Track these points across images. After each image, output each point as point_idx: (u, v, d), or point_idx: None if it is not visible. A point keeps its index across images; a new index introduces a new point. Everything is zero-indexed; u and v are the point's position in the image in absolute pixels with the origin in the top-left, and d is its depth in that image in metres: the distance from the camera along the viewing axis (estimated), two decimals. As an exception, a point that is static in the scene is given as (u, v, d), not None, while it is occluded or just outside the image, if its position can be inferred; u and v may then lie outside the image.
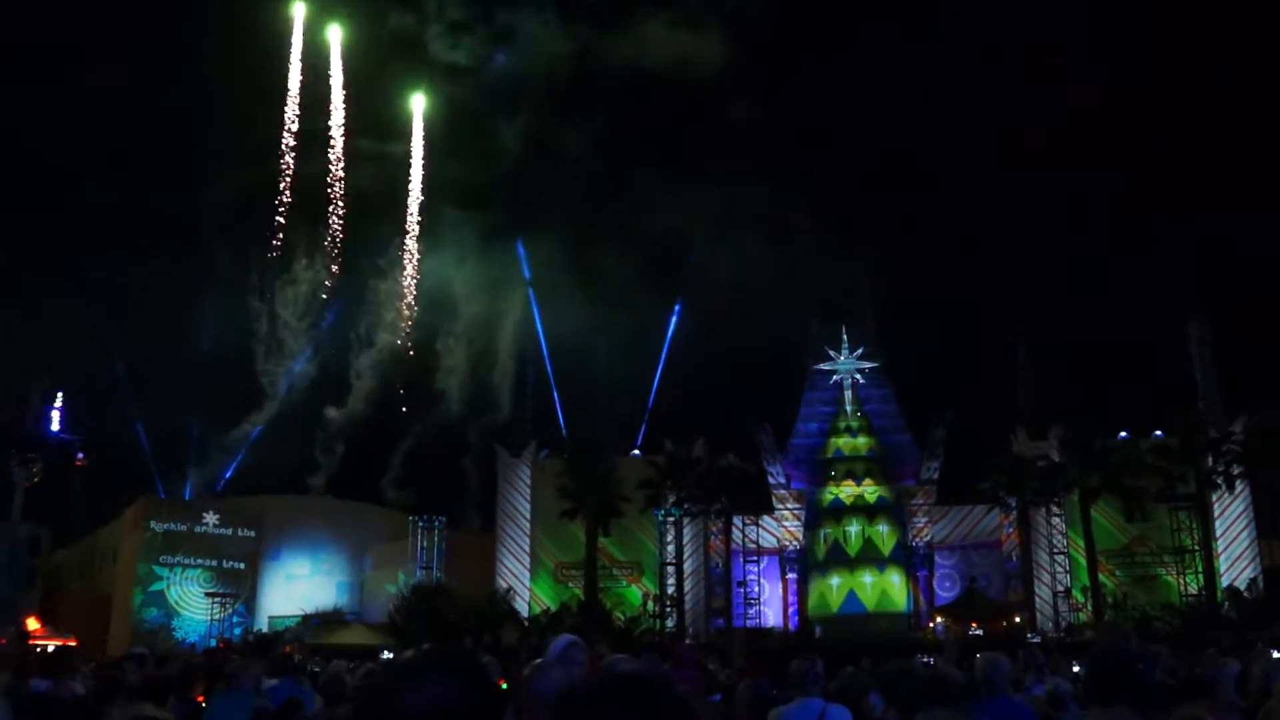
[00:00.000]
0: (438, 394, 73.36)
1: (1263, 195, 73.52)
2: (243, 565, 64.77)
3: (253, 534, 65.40)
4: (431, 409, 72.53)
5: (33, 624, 57.63)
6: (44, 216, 73.68)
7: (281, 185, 71.44)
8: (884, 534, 64.90)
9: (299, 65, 70.12)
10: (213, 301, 70.91)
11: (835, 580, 63.91)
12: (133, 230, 74.65)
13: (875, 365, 69.52)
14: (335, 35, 70.72)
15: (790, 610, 64.63)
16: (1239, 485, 59.01)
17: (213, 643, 55.52)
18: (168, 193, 77.34)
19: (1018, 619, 59.66)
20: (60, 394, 65.29)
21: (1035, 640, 45.37)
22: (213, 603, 61.67)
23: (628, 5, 75.12)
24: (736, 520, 62.29)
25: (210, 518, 64.71)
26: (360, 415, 72.93)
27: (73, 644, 53.14)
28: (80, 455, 65.20)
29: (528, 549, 64.78)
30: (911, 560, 64.95)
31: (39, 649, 49.76)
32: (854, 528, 64.81)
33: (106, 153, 77.65)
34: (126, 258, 73.13)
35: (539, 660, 6.46)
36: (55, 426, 64.67)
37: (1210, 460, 58.07)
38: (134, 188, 78.90)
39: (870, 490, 66.25)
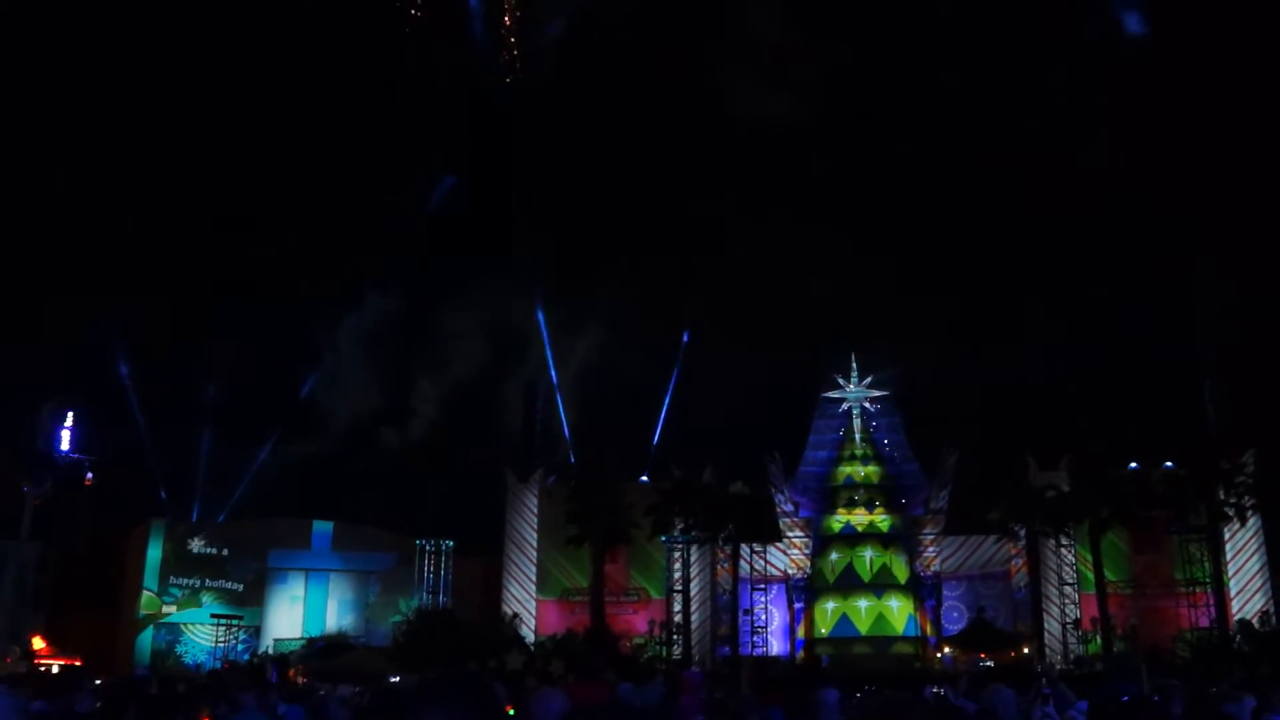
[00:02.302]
0: (479, 423, 73.55)
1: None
2: (249, 588, 64.73)
3: (259, 557, 65.36)
4: (474, 439, 72.58)
5: (38, 643, 57.63)
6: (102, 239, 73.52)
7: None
8: (891, 563, 64.68)
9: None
10: (257, 329, 70.86)
11: (842, 607, 63.66)
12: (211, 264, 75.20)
13: (885, 394, 69.51)
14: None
15: (797, 639, 64.41)
16: (1250, 517, 58.67)
17: (218, 664, 55.41)
18: (243, 228, 77.67)
19: (1026, 650, 59.36)
20: (71, 413, 65.34)
21: (1041, 673, 45.05)
22: (218, 625, 61.61)
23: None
24: (744, 548, 62.08)
25: (215, 538, 64.75)
26: (413, 442, 72.95)
27: (78, 664, 53.12)
28: (90, 475, 65.23)
29: (534, 574, 64.65)
30: (919, 589, 64.71)
31: (44, 668, 49.79)
32: (861, 556, 64.62)
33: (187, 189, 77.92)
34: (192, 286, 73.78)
35: (544, 687, 6.42)
36: (65, 446, 64.74)
37: (1221, 492, 57.74)
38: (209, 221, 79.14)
39: (878, 519, 66.10)
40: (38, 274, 70.65)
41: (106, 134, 73.84)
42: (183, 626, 62.83)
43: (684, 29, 77.17)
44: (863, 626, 62.98)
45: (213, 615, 62.31)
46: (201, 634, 62.43)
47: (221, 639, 61.21)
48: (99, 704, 12.68)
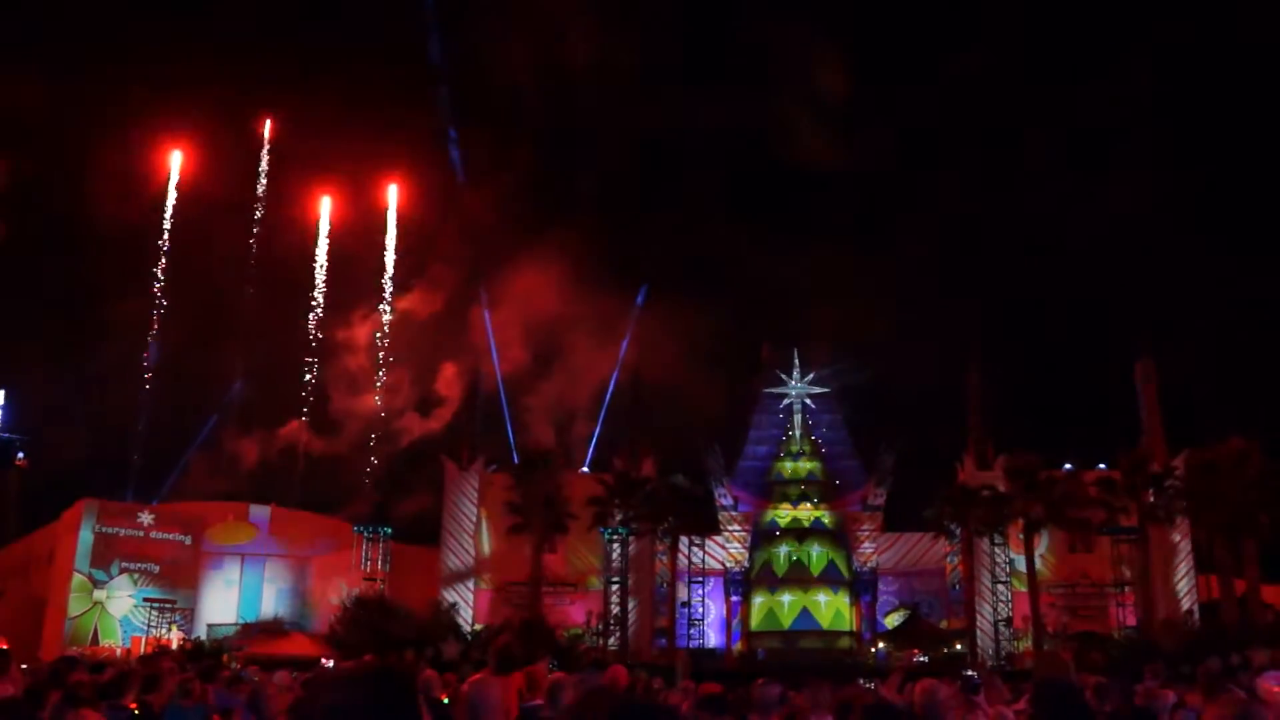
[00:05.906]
0: (420, 411, 73.20)
1: (1211, 243, 75.08)
2: (182, 571, 63.84)
3: (192, 540, 64.51)
4: (415, 427, 72.25)
5: (-36, 625, 56.47)
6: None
7: None
8: (828, 558, 65.19)
9: None
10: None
11: (776, 601, 64.09)
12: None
13: (826, 390, 69.97)
14: None
15: (733, 632, 64.77)
16: (1178, 519, 59.78)
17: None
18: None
19: (959, 646, 60.12)
20: (1, 392, 64.11)
21: (973, 675, 45.62)
22: (150, 608, 60.72)
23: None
24: (683, 541, 62.28)
25: (149, 521, 63.76)
26: (353, 428, 72.48)
27: (4, 647, 52.18)
28: (21, 455, 63.97)
29: (472, 563, 64.39)
30: (855, 585, 65.29)
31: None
32: (798, 550, 65.05)
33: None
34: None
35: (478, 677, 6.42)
36: (-4, 425, 63.58)
37: (1152, 495, 58.80)
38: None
39: (816, 514, 66.56)
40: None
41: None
42: (113, 610, 61.83)
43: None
44: (799, 620, 63.43)
45: (145, 599, 61.42)
46: (133, 617, 61.49)
47: (153, 623, 60.33)
48: (25, 687, 12.48)
